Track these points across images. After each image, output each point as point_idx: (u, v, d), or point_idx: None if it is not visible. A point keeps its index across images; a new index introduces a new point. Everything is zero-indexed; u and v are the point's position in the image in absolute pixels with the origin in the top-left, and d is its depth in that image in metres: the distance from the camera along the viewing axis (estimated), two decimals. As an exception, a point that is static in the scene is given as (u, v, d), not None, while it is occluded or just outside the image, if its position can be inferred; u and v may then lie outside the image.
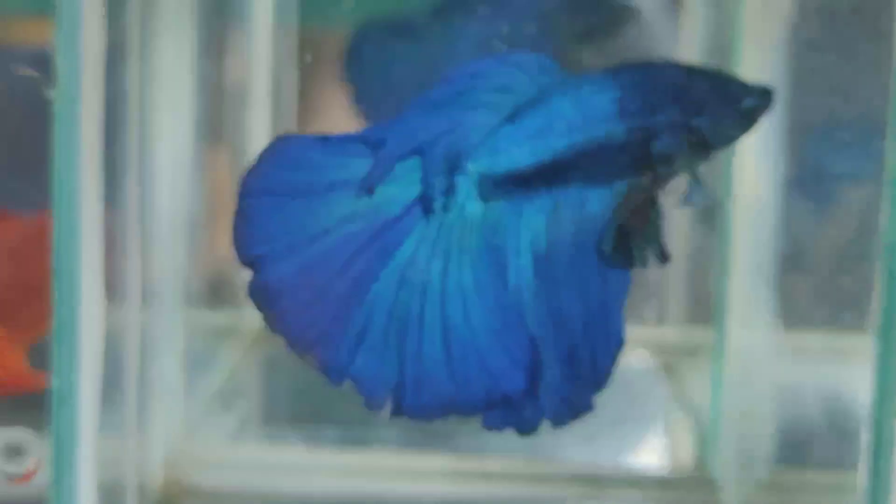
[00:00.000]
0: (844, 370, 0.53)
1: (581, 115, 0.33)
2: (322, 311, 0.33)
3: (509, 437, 0.56)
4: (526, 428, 0.34)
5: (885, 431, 0.35)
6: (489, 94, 0.33)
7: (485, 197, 0.33)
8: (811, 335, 0.53)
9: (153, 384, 0.47)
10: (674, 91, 0.33)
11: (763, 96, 0.34)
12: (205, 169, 0.58)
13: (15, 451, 0.35)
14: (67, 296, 0.32)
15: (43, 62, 0.30)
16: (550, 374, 0.34)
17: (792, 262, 0.51)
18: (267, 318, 0.34)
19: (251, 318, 0.69)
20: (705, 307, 0.60)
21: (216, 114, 0.63)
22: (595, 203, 0.34)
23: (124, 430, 0.41)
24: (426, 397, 0.33)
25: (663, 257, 0.33)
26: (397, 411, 0.34)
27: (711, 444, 0.53)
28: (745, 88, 0.34)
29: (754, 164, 0.49)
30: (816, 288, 0.52)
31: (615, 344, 0.34)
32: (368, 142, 0.33)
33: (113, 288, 0.35)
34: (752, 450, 0.50)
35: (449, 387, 0.33)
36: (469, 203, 0.33)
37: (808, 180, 0.51)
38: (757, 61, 0.48)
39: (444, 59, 0.62)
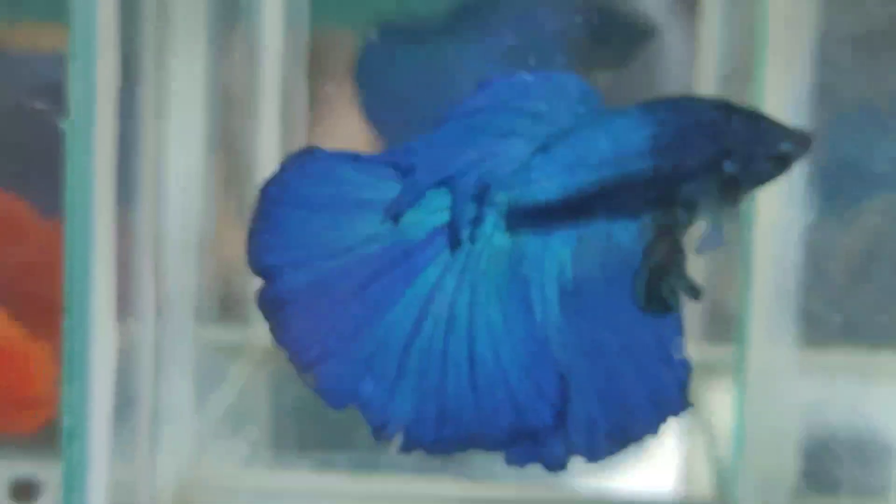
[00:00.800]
0: (873, 390, 0.52)
1: (613, 150, 0.32)
2: (330, 330, 0.32)
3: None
4: (554, 464, 0.33)
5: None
6: (523, 120, 0.32)
7: (512, 228, 0.33)
8: (836, 353, 0.51)
9: (163, 407, 0.46)
10: (709, 130, 0.33)
11: (801, 141, 0.34)
12: (215, 181, 0.57)
13: (25, 484, 0.34)
14: (79, 319, 0.31)
15: (55, 91, 0.29)
16: (582, 408, 0.32)
17: (815, 278, 0.50)
18: (273, 330, 0.33)
19: (259, 334, 0.68)
20: (722, 324, 0.59)
21: (226, 125, 0.62)
22: (621, 234, 0.33)
23: (136, 456, 0.40)
24: (448, 431, 0.32)
25: (695, 293, 0.33)
26: (413, 445, 0.33)
27: (732, 468, 0.51)
28: (782, 132, 0.33)
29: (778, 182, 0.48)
30: (840, 303, 0.51)
31: (679, 369, 0.33)
32: (398, 167, 0.32)
33: (125, 309, 0.34)
34: (775, 475, 0.49)
35: (473, 421, 0.32)
36: (496, 234, 0.32)
37: (831, 195, 0.50)
38: (781, 81, 0.47)
39: (457, 68, 0.61)
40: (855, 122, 0.51)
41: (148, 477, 0.44)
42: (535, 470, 0.55)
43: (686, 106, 0.33)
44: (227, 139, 0.63)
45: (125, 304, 0.34)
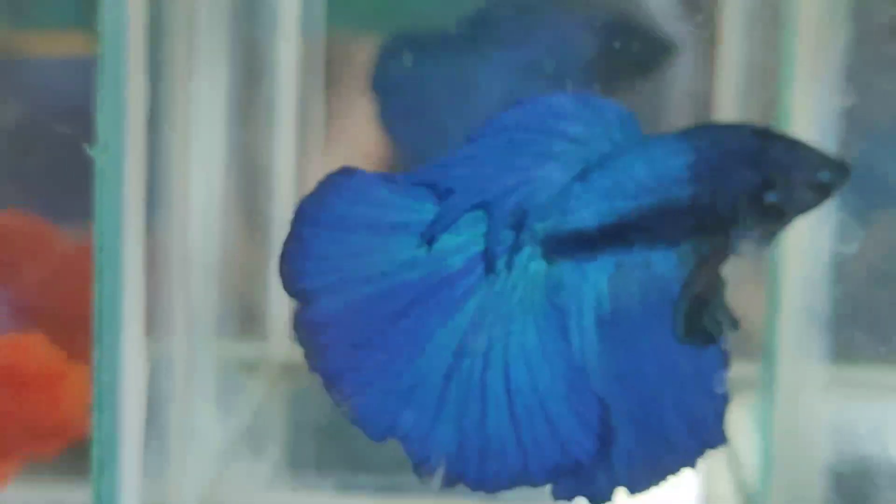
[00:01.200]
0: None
1: (652, 178, 0.32)
2: (368, 359, 0.32)
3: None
4: (599, 497, 0.32)
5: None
6: (562, 144, 0.32)
7: (549, 256, 0.32)
8: (865, 370, 0.51)
9: (187, 427, 0.45)
10: (749, 158, 0.32)
11: (839, 170, 0.33)
12: (234, 197, 0.57)
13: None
14: (109, 348, 0.30)
15: (82, 116, 0.29)
16: (624, 438, 0.32)
17: (843, 294, 0.49)
18: (308, 355, 0.32)
19: (277, 350, 0.68)
20: (743, 340, 0.58)
21: (245, 141, 0.61)
22: (660, 263, 0.32)
23: (165, 479, 0.39)
24: (492, 468, 0.31)
25: (735, 325, 0.32)
26: (455, 480, 0.32)
27: (760, 489, 0.50)
28: (822, 160, 0.33)
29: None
30: (871, 321, 0.51)
31: (719, 402, 0.32)
32: (436, 188, 0.31)
33: (155, 332, 0.34)
34: (803, 497, 0.48)
35: (517, 456, 0.31)
36: (533, 262, 0.32)
37: (859, 212, 0.50)
38: (808, 98, 0.47)
39: (477, 79, 0.60)
40: (885, 140, 0.51)
41: (175, 499, 0.44)
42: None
43: (725, 133, 0.33)
44: (246, 155, 0.63)
45: (155, 328, 0.34)
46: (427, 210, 0.31)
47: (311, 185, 0.77)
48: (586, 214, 0.32)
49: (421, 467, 0.32)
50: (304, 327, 0.31)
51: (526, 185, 0.32)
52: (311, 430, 0.62)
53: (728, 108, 0.62)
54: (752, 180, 0.32)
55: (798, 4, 0.47)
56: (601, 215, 0.32)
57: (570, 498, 0.32)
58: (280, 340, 0.68)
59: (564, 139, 0.32)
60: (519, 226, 0.32)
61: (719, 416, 0.32)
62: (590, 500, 0.32)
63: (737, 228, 0.32)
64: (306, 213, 0.32)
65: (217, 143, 0.48)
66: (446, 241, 0.31)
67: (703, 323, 0.32)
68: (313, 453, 0.60)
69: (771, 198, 0.32)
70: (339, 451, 0.59)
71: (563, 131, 0.32)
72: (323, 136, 0.70)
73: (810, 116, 0.47)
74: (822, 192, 0.33)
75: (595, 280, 0.32)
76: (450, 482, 0.32)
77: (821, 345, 0.48)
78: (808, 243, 0.48)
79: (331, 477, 0.53)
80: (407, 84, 0.64)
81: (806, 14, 0.46)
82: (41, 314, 0.46)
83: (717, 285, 0.32)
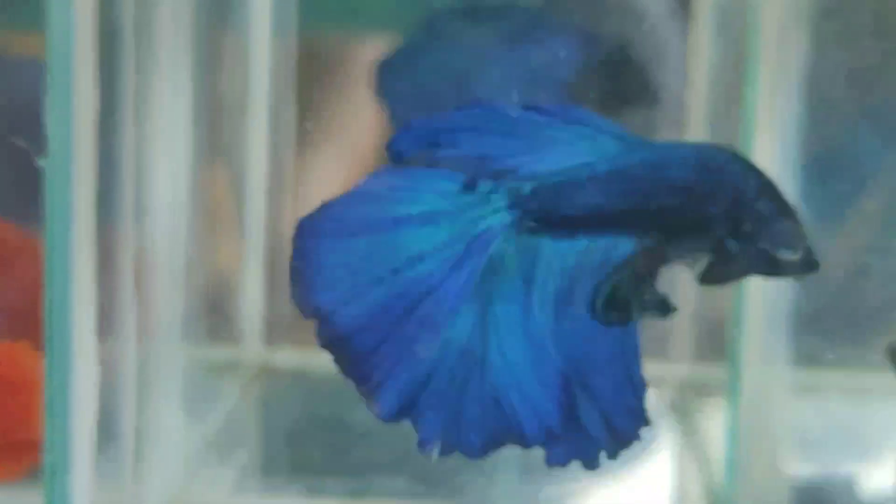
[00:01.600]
0: (865, 410, 0.51)
1: (653, 181, 0.33)
2: (389, 354, 0.32)
3: (515, 487, 0.55)
4: (588, 460, 0.33)
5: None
6: (571, 133, 0.33)
7: (535, 232, 0.33)
8: (829, 373, 0.51)
9: (151, 431, 0.45)
10: (738, 200, 0.33)
11: (807, 262, 0.34)
12: (202, 191, 0.56)
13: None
14: (59, 352, 0.30)
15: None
16: (586, 409, 0.32)
17: (808, 299, 0.49)
18: (338, 364, 0.33)
19: (250, 354, 0.68)
20: (713, 343, 0.59)
21: (215, 138, 0.61)
22: (621, 251, 0.33)
23: (122, 484, 0.39)
24: (476, 437, 0.32)
25: (667, 309, 0.33)
26: (450, 451, 0.33)
27: (725, 489, 0.51)
28: (795, 241, 0.34)
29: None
30: (836, 324, 0.51)
31: (639, 386, 0.33)
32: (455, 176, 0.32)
33: (108, 335, 0.33)
34: (768, 497, 0.48)
35: (497, 424, 0.32)
36: (521, 237, 0.32)
37: (826, 213, 0.50)
38: (772, 86, 0.47)
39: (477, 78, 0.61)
40: (848, 147, 0.51)
41: (135, 502, 0.44)
42: (524, 491, 0.54)
43: (735, 165, 0.33)
44: (216, 152, 0.63)
45: (108, 331, 0.33)
46: (430, 198, 0.32)
47: (286, 184, 0.77)
48: (582, 203, 0.32)
49: (423, 444, 0.32)
50: (327, 342, 0.32)
51: (530, 164, 0.33)
52: (281, 434, 0.62)
53: (698, 108, 0.63)
54: (727, 220, 0.33)
55: (762, 9, 0.47)
56: (596, 206, 0.32)
57: (564, 463, 0.33)
58: (253, 344, 0.68)
59: (572, 132, 0.33)
60: (516, 203, 0.32)
61: (636, 398, 0.33)
62: (582, 465, 0.33)
63: (697, 249, 0.33)
64: (305, 226, 0.32)
65: (182, 143, 0.48)
66: (450, 228, 0.32)
67: (626, 300, 0.32)
68: (283, 457, 0.60)
69: (731, 247, 0.33)
70: (308, 455, 0.59)
71: (571, 125, 0.33)
72: (295, 134, 0.70)
73: (773, 121, 0.47)
74: (777, 268, 0.33)
75: (565, 256, 0.33)
76: (445, 452, 0.33)
77: (785, 349, 0.49)
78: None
79: (299, 481, 0.53)
80: (415, 87, 0.64)
81: (769, 18, 0.46)
82: (25, 322, 0.46)
83: (655, 271, 0.33)
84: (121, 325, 0.35)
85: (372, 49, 0.76)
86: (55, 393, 0.30)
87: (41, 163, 0.29)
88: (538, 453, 0.62)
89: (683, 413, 0.63)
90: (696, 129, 0.63)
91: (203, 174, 0.56)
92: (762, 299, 0.48)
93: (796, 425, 0.48)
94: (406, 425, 0.60)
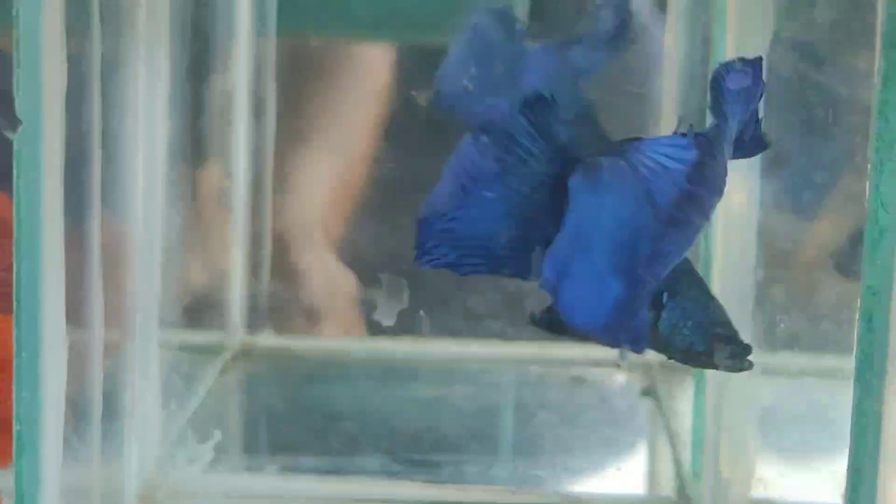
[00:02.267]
0: (825, 391, 0.52)
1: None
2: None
3: (491, 466, 0.55)
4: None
5: (863, 455, 0.34)
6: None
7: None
8: (791, 356, 0.52)
9: (127, 413, 0.45)
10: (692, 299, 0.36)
11: (737, 357, 0.36)
12: (185, 186, 0.57)
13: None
14: (29, 328, 0.30)
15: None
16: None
17: (772, 282, 0.50)
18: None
19: (233, 338, 0.68)
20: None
21: (196, 130, 0.62)
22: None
23: (94, 461, 0.39)
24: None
25: None
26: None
27: (692, 468, 0.51)
28: (730, 341, 0.36)
29: (736, 182, 0.48)
30: (797, 308, 0.52)
31: None
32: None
33: (78, 316, 0.34)
34: (733, 475, 0.49)
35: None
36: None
37: (788, 200, 0.51)
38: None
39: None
40: (809, 130, 0.51)
41: (110, 481, 0.44)
42: (499, 470, 0.55)
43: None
44: (199, 145, 0.63)
45: (77, 311, 0.34)
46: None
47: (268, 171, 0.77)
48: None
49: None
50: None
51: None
52: (259, 415, 0.63)
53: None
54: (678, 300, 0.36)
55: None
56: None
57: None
58: (236, 328, 0.69)
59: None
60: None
61: None
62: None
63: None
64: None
65: (160, 133, 0.49)
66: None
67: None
68: (260, 438, 0.61)
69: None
70: (285, 435, 0.60)
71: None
72: (275, 124, 0.70)
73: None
74: (704, 360, 0.37)
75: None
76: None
77: (750, 331, 0.49)
78: (740, 230, 0.49)
79: (276, 460, 0.54)
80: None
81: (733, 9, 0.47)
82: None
83: None
84: (90, 305, 0.36)
85: (357, 50, 0.77)
86: (24, 372, 0.31)
87: (10, 136, 0.29)
88: (512, 433, 0.63)
89: (657, 394, 0.64)
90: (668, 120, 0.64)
91: (184, 166, 0.57)
92: (727, 285, 0.49)
93: (760, 404, 0.49)
94: (379, 409, 0.61)
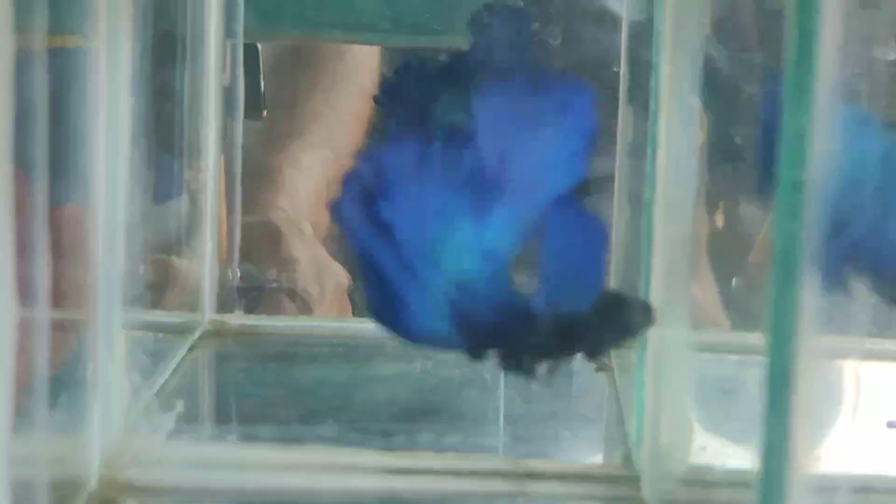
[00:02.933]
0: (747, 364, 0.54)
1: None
2: None
3: (444, 435, 0.57)
4: None
5: (775, 427, 0.36)
6: None
7: None
8: (719, 334, 0.53)
9: (91, 385, 0.47)
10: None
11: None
12: (150, 172, 0.58)
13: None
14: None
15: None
16: None
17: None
18: None
19: (200, 317, 0.70)
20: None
21: (164, 118, 0.63)
22: None
23: (50, 429, 0.41)
24: None
25: None
26: None
27: (635, 440, 0.53)
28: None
29: (673, 164, 0.49)
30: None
31: None
32: None
33: (29, 290, 0.35)
34: (671, 445, 0.51)
35: None
36: None
37: (723, 185, 0.52)
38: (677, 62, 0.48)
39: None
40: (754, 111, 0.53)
41: (75, 448, 0.46)
42: (452, 439, 0.56)
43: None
44: (166, 133, 0.65)
45: (25, 289, 0.35)
46: None
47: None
48: None
49: None
50: None
51: None
52: (222, 389, 0.65)
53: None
54: None
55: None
56: None
57: None
58: (204, 309, 0.71)
59: None
60: None
61: None
62: None
63: None
64: None
65: (125, 112, 0.50)
66: None
67: None
68: (222, 410, 0.62)
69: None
70: (246, 407, 0.61)
71: None
72: (241, 115, 0.72)
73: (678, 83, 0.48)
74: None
75: None
76: None
77: (684, 312, 0.51)
78: (677, 217, 0.51)
79: (236, 430, 0.56)
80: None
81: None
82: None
83: None
84: (39, 280, 0.37)
85: (336, 49, 0.78)
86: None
87: None
88: (467, 404, 0.65)
89: (610, 368, 0.66)
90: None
91: (150, 150, 0.58)
92: (665, 270, 0.51)
93: (693, 378, 0.50)
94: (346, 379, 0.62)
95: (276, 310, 0.76)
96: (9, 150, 0.31)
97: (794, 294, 0.35)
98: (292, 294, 0.76)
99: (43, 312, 0.37)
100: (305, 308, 0.78)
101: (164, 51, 0.62)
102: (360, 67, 0.83)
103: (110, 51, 0.47)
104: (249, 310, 0.77)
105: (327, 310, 0.78)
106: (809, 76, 0.34)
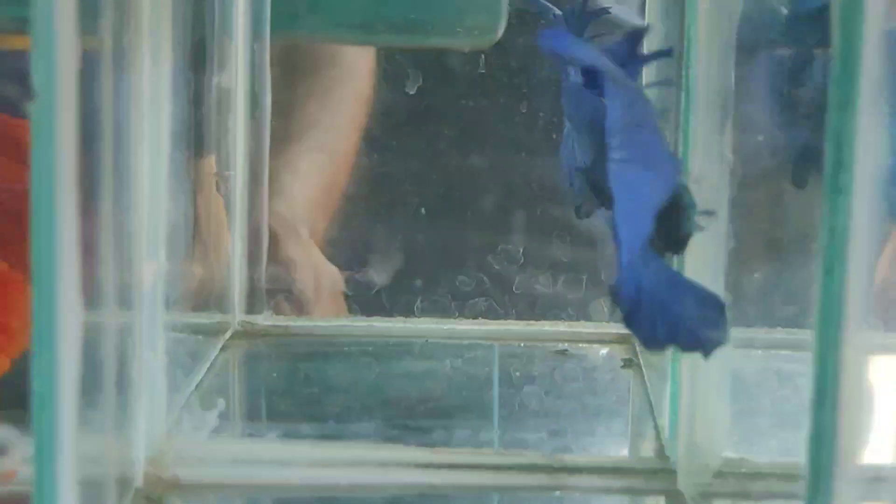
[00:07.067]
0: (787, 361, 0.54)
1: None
2: None
3: (480, 431, 0.57)
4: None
5: (823, 420, 0.36)
6: None
7: None
8: (758, 331, 0.53)
9: (136, 384, 0.47)
10: None
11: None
12: (188, 176, 0.58)
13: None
14: (46, 302, 0.32)
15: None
16: None
17: (741, 261, 0.51)
18: None
19: (234, 319, 0.70)
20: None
21: (198, 122, 0.63)
22: None
23: (105, 429, 0.41)
24: None
25: None
26: None
27: (671, 433, 0.53)
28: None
29: (710, 157, 0.49)
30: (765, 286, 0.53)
31: None
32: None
33: (90, 292, 0.35)
34: (708, 439, 0.50)
35: None
36: None
37: (758, 177, 0.52)
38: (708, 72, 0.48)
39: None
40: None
41: (122, 447, 0.46)
42: (488, 436, 0.56)
43: None
44: (202, 138, 0.65)
45: (90, 290, 0.35)
46: None
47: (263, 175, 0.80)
48: None
49: None
50: None
51: None
52: (260, 388, 0.65)
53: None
54: None
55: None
56: None
57: None
58: (237, 311, 0.71)
59: None
60: None
61: None
62: None
63: None
64: None
65: (163, 119, 0.50)
66: None
67: None
68: (261, 408, 0.63)
69: None
70: (285, 405, 0.61)
71: None
72: (269, 119, 0.72)
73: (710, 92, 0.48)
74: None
75: None
76: None
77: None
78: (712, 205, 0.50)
79: (276, 427, 0.56)
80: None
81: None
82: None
83: None
84: (104, 282, 0.38)
85: (332, 54, 0.78)
86: (42, 334, 0.32)
87: (30, 107, 0.31)
88: (499, 400, 0.65)
89: (640, 366, 0.66)
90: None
91: (188, 158, 0.58)
92: (699, 258, 0.50)
93: (729, 376, 0.50)
94: (378, 377, 0.62)
95: (276, 310, 0.76)
96: (75, 154, 0.31)
97: (841, 287, 0.35)
98: (289, 295, 0.77)
99: (104, 314, 0.37)
100: (302, 309, 0.78)
101: (198, 55, 0.62)
102: (357, 72, 0.83)
103: (153, 55, 0.47)
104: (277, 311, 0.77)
105: (323, 311, 0.79)
106: (855, 73, 0.34)
